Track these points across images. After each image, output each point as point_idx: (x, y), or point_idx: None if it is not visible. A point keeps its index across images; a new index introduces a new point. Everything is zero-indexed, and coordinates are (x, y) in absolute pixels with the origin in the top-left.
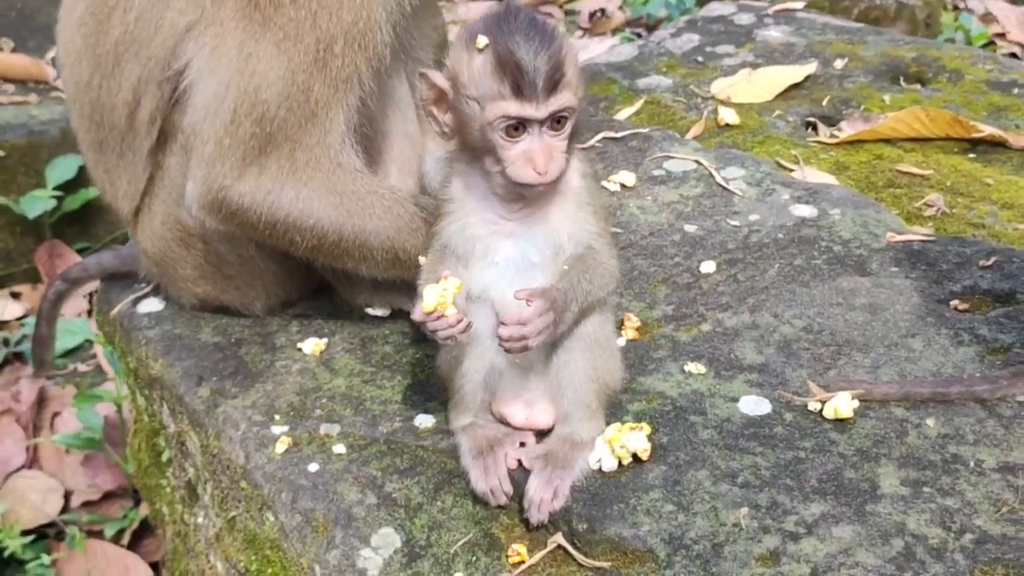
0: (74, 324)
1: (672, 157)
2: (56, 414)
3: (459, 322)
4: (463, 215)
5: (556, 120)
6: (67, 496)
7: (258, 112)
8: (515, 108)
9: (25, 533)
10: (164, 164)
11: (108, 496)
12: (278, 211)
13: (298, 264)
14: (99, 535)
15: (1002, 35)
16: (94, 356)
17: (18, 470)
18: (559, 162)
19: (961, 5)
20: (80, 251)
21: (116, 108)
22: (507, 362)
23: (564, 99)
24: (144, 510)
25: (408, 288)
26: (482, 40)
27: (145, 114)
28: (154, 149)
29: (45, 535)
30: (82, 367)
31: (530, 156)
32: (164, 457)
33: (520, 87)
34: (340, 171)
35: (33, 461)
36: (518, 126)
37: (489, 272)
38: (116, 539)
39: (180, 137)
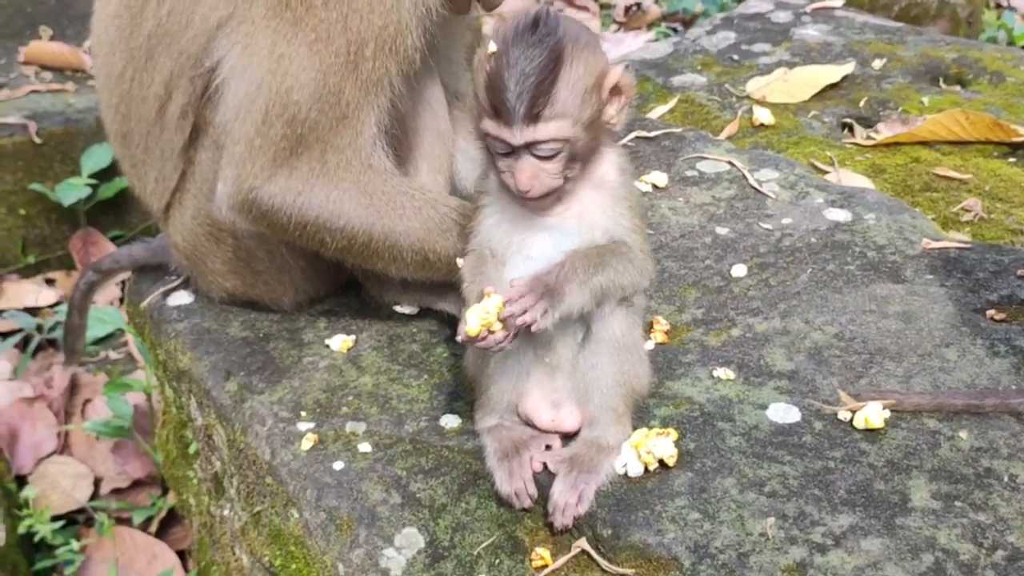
0: (106, 313)
1: (705, 158)
2: (88, 401)
3: (506, 338)
4: (498, 209)
5: (541, 148)
6: (97, 483)
7: (290, 113)
8: (493, 128)
9: (55, 519)
10: (196, 159)
11: (137, 484)
12: (308, 212)
13: (327, 261)
14: (127, 522)
15: None
16: (125, 344)
17: (49, 456)
18: (545, 183)
19: (1004, 3)
20: (114, 239)
21: (147, 101)
22: (534, 363)
23: (548, 131)
24: (172, 499)
25: (437, 287)
26: (492, 47)
27: (176, 108)
28: (186, 145)
29: (75, 521)
30: (114, 355)
31: (512, 173)
32: (191, 449)
33: (499, 111)
34: (371, 172)
35: (64, 447)
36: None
37: (524, 267)
38: (144, 527)
39: (212, 132)
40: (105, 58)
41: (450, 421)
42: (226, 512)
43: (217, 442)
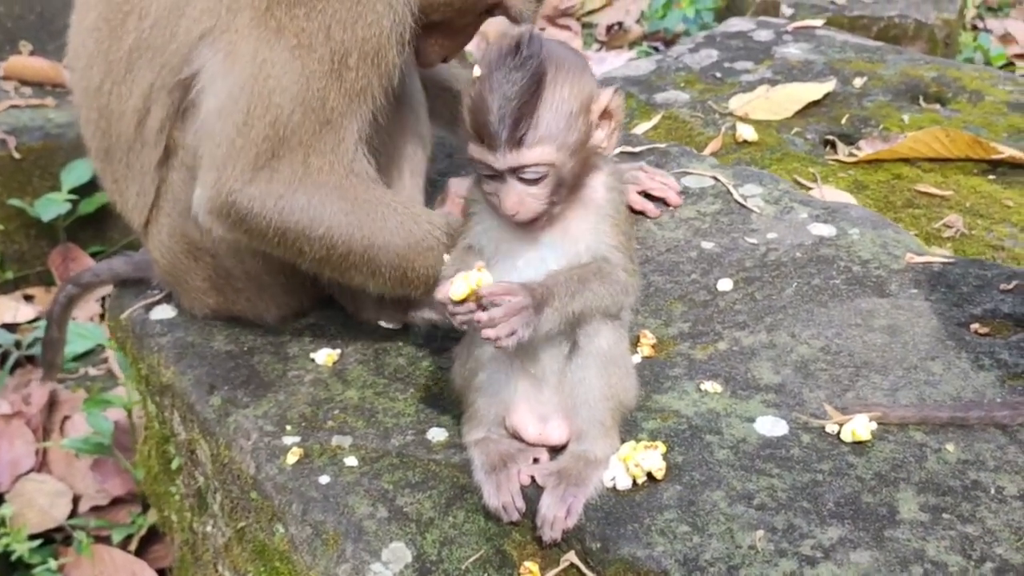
0: (87, 329)
1: (690, 173)
2: (66, 418)
3: (477, 307)
4: (488, 217)
5: (526, 172)
6: (75, 500)
7: (272, 115)
8: (478, 152)
9: (32, 537)
10: (168, 179)
11: (116, 502)
12: (289, 217)
13: (305, 277)
14: (107, 541)
15: (1021, 56)
16: (105, 360)
17: (27, 473)
18: (532, 207)
19: (980, 25)
20: (94, 255)
21: (125, 115)
22: (521, 376)
23: (532, 156)
24: (153, 516)
25: (413, 305)
26: (476, 71)
27: (155, 123)
28: (161, 161)
29: (52, 540)
30: (93, 371)
31: (498, 196)
32: (174, 465)
33: (482, 135)
34: (353, 178)
35: (42, 464)
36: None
37: (510, 275)
38: (124, 545)
39: (181, 153)
40: (83, 72)
41: (437, 435)
42: (209, 528)
43: (200, 457)
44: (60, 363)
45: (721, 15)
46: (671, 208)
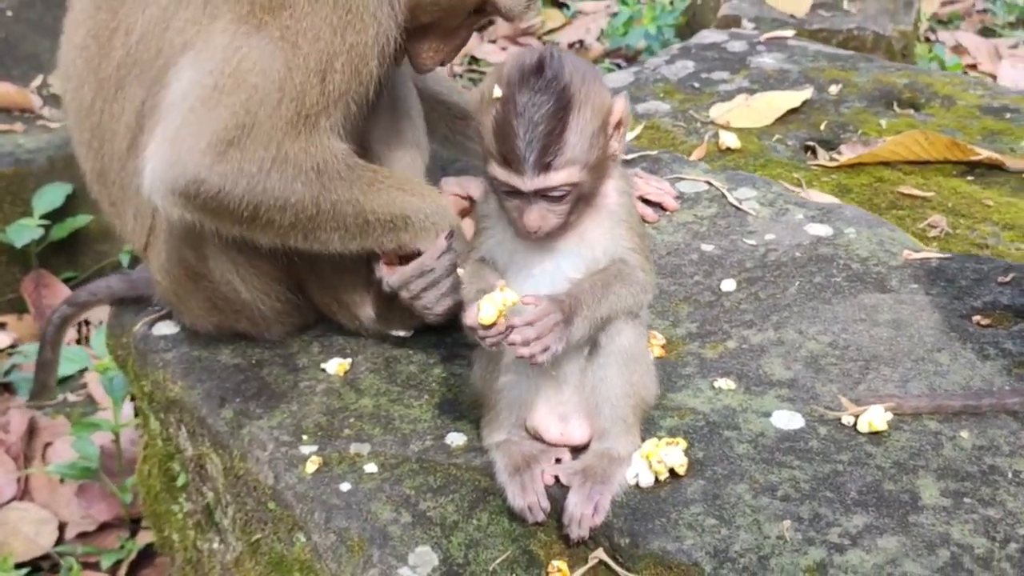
0: (71, 352)
1: (683, 178)
2: (48, 444)
3: (508, 329)
4: (500, 230)
5: (552, 193)
6: (61, 528)
7: (245, 92)
8: (503, 175)
9: (19, 566)
10: None
11: (104, 527)
12: (262, 196)
13: (302, 298)
14: (95, 567)
15: (973, 66)
16: (84, 386)
17: (9, 502)
18: (552, 222)
19: (932, 37)
20: (67, 280)
21: (118, 134)
22: (542, 377)
23: (558, 178)
24: (142, 540)
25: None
26: (497, 91)
27: (148, 140)
28: None
29: (39, 568)
30: (72, 397)
31: (520, 214)
32: (179, 482)
33: (508, 159)
34: (329, 156)
35: (24, 493)
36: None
37: (526, 284)
38: (113, 571)
39: None
40: (74, 92)
41: (456, 439)
42: (215, 545)
43: (211, 471)
44: (53, 385)
45: (682, 32)
46: (668, 212)
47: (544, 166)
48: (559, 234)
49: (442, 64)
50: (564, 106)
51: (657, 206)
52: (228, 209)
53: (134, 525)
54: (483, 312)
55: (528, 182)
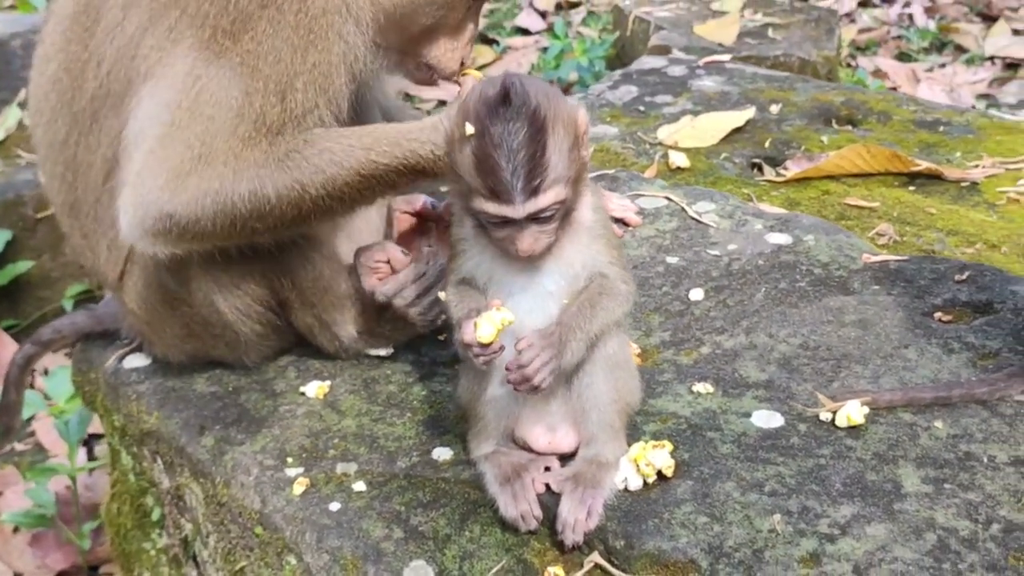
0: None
1: (643, 195)
2: None
3: (501, 348)
4: (478, 252)
5: (542, 215)
6: None
7: (201, 125)
8: (494, 208)
9: None
10: None
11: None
12: (232, 207)
13: (282, 321)
14: None
15: (894, 89)
16: (32, 434)
17: None
18: (543, 242)
19: (852, 63)
20: (8, 329)
21: (94, 166)
22: None
23: (547, 199)
24: None
25: (388, 322)
26: (468, 128)
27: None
28: None
29: None
30: (20, 446)
31: (513, 240)
32: (153, 516)
33: (496, 191)
34: (295, 154)
35: None
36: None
37: (508, 303)
38: None
39: None
40: (47, 126)
41: (442, 454)
42: None
43: (190, 502)
44: (18, 427)
45: (612, 64)
46: (632, 228)
47: (532, 191)
48: (544, 253)
49: (463, 64)
50: (539, 128)
51: (620, 222)
52: (205, 232)
53: (92, 572)
54: (481, 331)
55: (520, 209)
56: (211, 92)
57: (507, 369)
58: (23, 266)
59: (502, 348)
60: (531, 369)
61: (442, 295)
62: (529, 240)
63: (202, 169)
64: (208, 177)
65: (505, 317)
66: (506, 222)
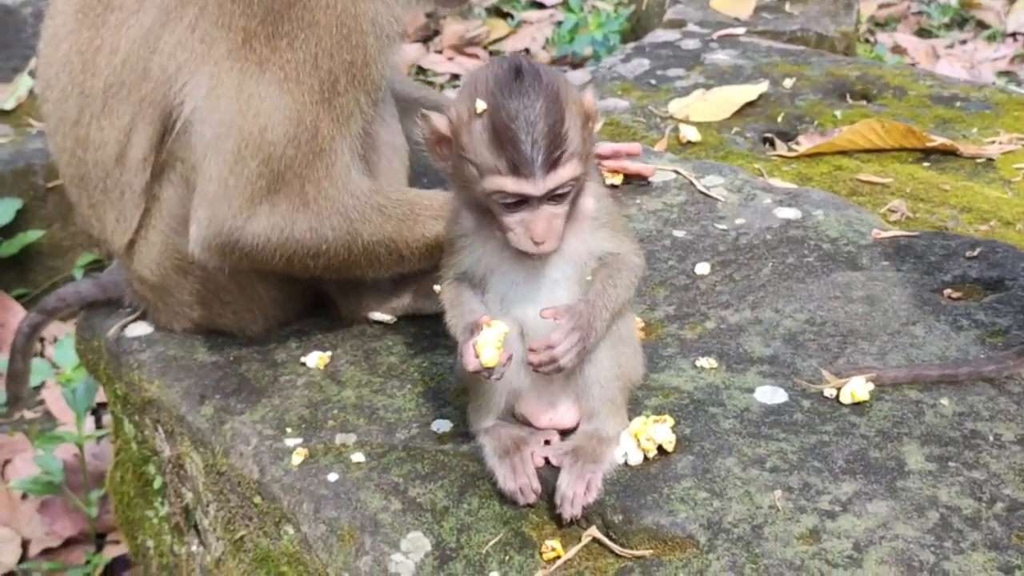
0: (33, 364)
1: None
2: (7, 462)
3: (509, 358)
4: (479, 245)
5: (558, 192)
6: (24, 545)
7: (264, 153)
8: (512, 185)
9: None
10: (161, 196)
11: (69, 543)
12: (292, 244)
13: (299, 287)
14: None
15: (912, 65)
16: (42, 402)
17: None
18: (556, 228)
19: (871, 39)
20: (19, 297)
21: (107, 145)
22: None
23: (566, 174)
24: (109, 554)
25: (409, 290)
26: (480, 105)
27: (138, 152)
28: (149, 185)
29: None
30: (29, 414)
31: (528, 225)
32: (155, 485)
33: (516, 165)
34: (348, 196)
35: None
36: (516, 200)
37: (511, 291)
38: None
39: (180, 168)
40: (56, 103)
41: (442, 426)
42: (194, 548)
43: (190, 471)
44: (25, 396)
45: (627, 38)
46: (639, 200)
47: (552, 163)
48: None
49: None
50: (555, 100)
51: (638, 176)
52: (263, 259)
53: (100, 539)
54: (485, 357)
55: (540, 184)
56: (268, 115)
57: (531, 350)
58: (33, 235)
59: (510, 358)
60: (560, 350)
61: (437, 288)
62: (543, 224)
63: (273, 198)
64: (276, 211)
65: (499, 332)
66: (520, 203)
